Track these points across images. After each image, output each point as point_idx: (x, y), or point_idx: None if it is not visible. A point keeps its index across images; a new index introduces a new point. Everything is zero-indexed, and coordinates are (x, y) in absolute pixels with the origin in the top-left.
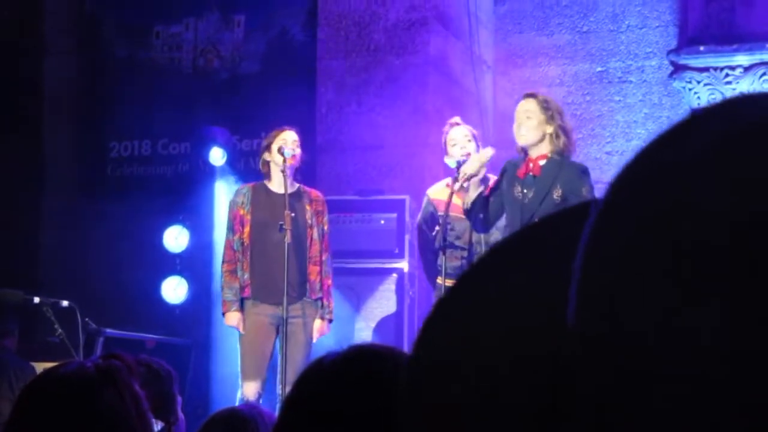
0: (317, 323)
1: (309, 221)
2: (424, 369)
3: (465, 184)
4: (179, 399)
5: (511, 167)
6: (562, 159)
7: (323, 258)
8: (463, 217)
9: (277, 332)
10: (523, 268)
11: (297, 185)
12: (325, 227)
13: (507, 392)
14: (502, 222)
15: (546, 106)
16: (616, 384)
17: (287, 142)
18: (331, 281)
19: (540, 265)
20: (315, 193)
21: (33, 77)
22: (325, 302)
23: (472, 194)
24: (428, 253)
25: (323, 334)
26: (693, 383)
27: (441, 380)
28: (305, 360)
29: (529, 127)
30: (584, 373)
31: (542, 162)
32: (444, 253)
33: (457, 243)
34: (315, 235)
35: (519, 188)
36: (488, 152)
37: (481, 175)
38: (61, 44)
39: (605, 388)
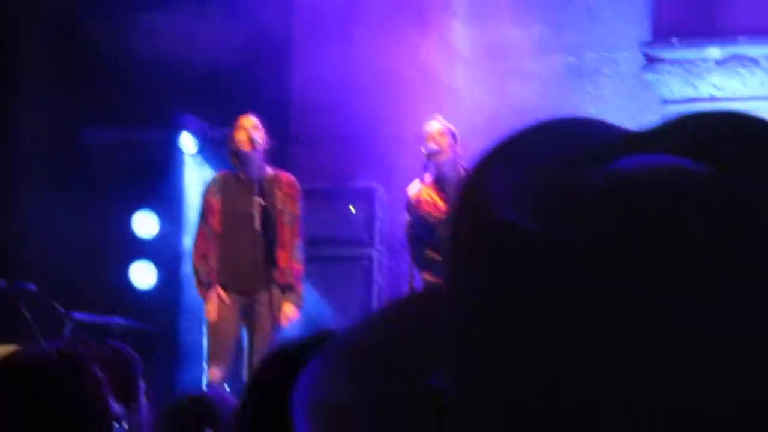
0: (286, 308)
1: (279, 206)
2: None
3: None
4: (143, 384)
5: None
6: None
7: (294, 243)
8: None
9: (244, 319)
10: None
11: (269, 170)
12: (296, 212)
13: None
14: None
15: None
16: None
17: (247, 128)
18: (302, 267)
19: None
20: (286, 178)
21: (4, 65)
22: (295, 288)
23: None
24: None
25: (292, 320)
26: None
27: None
28: (271, 348)
29: None
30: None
31: None
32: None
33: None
34: (285, 220)
35: None
36: None
37: None
38: (35, 31)
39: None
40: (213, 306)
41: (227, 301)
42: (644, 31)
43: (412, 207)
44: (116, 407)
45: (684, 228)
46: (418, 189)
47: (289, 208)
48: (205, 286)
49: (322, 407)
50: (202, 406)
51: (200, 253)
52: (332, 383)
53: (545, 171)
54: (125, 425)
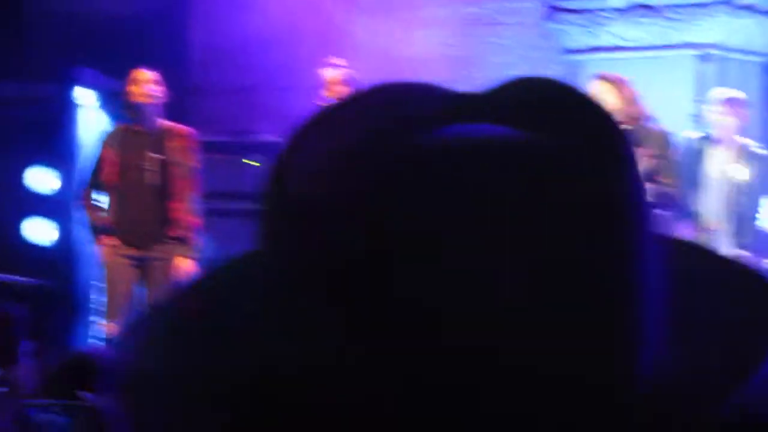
0: (181, 262)
1: (174, 159)
2: None
3: None
4: (29, 344)
5: None
6: None
7: (189, 196)
8: None
9: (141, 274)
10: None
11: (165, 123)
12: (193, 164)
13: None
14: None
15: None
16: None
17: (141, 81)
18: (199, 220)
19: None
20: (181, 130)
21: None
22: (191, 240)
23: None
24: None
25: (189, 274)
26: None
27: None
28: None
29: None
30: None
31: None
32: None
33: None
34: (181, 173)
35: None
36: None
37: None
38: None
39: None
40: (107, 249)
41: (118, 244)
42: None
43: None
44: None
45: (461, 193)
46: None
47: (185, 161)
48: (98, 231)
49: (134, 376)
50: (86, 365)
51: (89, 202)
52: (146, 350)
53: (362, 139)
54: (4, 387)
